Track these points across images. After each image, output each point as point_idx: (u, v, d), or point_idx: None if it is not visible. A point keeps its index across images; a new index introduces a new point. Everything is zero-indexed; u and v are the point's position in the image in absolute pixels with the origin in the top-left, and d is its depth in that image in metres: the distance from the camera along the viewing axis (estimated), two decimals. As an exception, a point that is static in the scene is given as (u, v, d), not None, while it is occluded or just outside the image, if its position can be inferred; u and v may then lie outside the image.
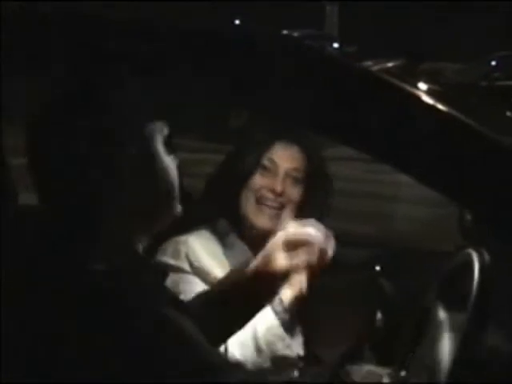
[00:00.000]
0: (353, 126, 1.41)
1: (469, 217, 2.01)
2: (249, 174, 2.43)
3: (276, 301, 2.25)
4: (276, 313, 2.25)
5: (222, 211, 2.49)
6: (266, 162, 2.42)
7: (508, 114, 2.22)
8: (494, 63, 15.19)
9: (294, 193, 2.41)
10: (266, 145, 2.45)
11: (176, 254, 2.36)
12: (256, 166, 2.43)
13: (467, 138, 1.40)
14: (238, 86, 1.49)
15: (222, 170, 2.53)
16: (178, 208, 1.67)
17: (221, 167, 2.54)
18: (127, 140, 1.55)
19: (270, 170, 2.42)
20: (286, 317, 2.28)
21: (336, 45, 16.21)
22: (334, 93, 1.42)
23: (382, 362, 2.34)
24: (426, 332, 1.98)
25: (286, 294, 2.24)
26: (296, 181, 2.43)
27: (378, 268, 2.46)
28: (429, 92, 1.50)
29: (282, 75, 1.44)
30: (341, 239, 1.95)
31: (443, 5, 24.78)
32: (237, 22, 1.65)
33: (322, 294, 2.25)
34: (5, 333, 1.54)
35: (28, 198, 1.87)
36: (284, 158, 2.43)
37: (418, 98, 1.42)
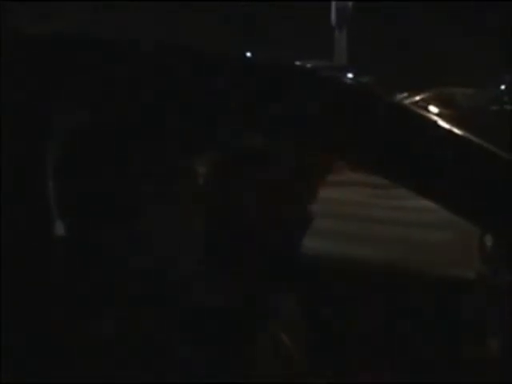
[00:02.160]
0: (383, 154, 1.47)
1: (489, 241, 2.00)
2: None
3: None
4: None
5: None
6: None
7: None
8: (503, 87, 15.72)
9: None
10: None
11: None
12: None
13: (487, 162, 1.45)
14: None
15: None
16: None
17: None
18: None
19: None
20: None
21: (350, 75, 16.74)
22: (364, 123, 1.48)
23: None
24: None
25: None
26: None
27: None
28: (447, 118, 1.60)
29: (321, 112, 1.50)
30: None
31: (454, 29, 25.37)
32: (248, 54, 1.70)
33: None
34: None
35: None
36: None
37: (440, 126, 1.48)
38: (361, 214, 6.26)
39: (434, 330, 2.12)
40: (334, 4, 20.37)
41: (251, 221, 1.94)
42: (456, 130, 1.51)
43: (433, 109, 14.73)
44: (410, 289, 2.32)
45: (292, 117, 1.55)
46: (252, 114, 1.60)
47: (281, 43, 21.98)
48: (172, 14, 29.04)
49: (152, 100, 1.64)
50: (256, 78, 1.62)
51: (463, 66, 20.98)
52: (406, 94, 15.67)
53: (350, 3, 20.10)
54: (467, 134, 1.51)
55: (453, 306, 2.12)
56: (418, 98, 15.87)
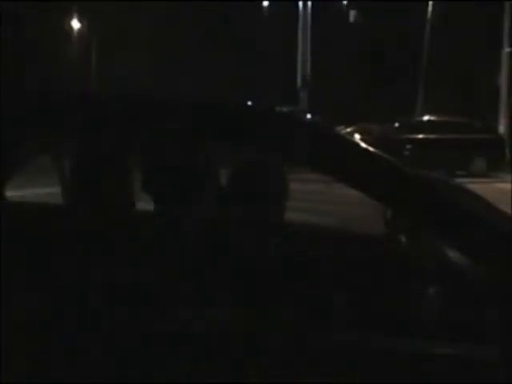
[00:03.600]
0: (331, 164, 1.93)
1: (389, 214, 2.42)
2: None
3: None
4: None
5: None
6: None
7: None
8: (396, 125, 21.44)
9: None
10: None
11: None
12: None
13: (387, 168, 1.94)
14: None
15: None
16: None
17: None
18: None
19: None
20: None
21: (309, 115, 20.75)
22: (314, 143, 1.95)
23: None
24: None
25: None
26: None
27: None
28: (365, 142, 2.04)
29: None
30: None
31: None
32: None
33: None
34: None
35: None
36: None
37: (361, 146, 2.00)
38: (315, 198, 8.56)
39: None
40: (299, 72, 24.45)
41: None
42: (370, 148, 1.98)
43: (357, 136, 19.69)
44: (347, 244, 2.65)
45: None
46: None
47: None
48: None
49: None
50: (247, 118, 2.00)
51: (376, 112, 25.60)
52: (342, 127, 21.75)
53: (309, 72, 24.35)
54: (376, 151, 1.97)
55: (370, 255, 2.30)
56: (348, 129, 22.17)
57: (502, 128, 23.72)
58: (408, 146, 19.83)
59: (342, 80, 30.97)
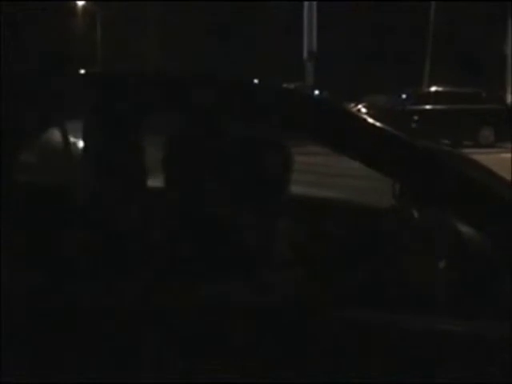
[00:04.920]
0: (335, 137, 1.96)
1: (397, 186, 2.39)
2: None
3: None
4: None
5: None
6: None
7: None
8: (403, 96, 21.42)
9: None
10: None
11: None
12: None
13: (392, 141, 1.95)
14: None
15: None
16: None
17: None
18: None
19: None
20: None
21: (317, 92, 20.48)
22: (323, 118, 1.98)
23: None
24: None
25: None
26: None
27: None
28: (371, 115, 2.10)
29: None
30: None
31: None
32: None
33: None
34: None
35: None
36: None
37: (368, 121, 2.01)
38: (320, 170, 8.89)
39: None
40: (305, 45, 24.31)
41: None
42: (377, 123, 1.99)
43: (363, 110, 19.99)
44: (353, 216, 2.69)
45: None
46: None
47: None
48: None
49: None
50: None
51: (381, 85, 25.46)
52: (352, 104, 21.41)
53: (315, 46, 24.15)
54: (383, 125, 1.98)
55: (375, 228, 2.37)
56: (359, 106, 21.76)
57: (509, 98, 23.53)
58: (415, 117, 19.75)
59: (348, 53, 30.82)
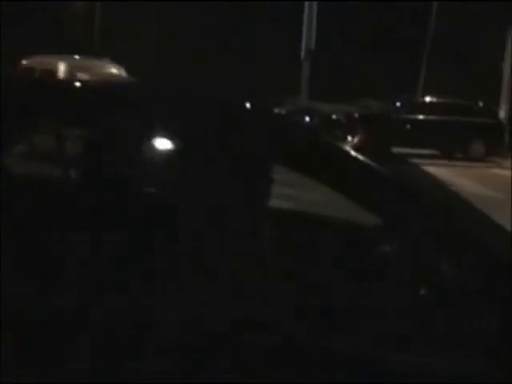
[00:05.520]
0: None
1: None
2: None
3: None
4: None
5: None
6: None
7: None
8: (398, 104, 21.39)
9: None
10: None
11: None
12: None
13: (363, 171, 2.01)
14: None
15: None
16: None
17: None
18: None
19: None
20: None
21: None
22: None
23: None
24: None
25: None
26: None
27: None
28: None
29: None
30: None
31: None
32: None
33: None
34: None
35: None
36: None
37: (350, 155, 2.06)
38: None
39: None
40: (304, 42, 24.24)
41: None
42: (353, 154, 2.05)
43: (356, 115, 20.10)
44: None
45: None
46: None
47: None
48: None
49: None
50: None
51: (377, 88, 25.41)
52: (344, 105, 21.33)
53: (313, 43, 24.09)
54: (363, 157, 2.03)
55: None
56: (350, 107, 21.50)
57: (502, 113, 23.52)
58: (407, 126, 19.72)
59: (344, 54, 30.70)
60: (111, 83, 2.24)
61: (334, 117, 19.60)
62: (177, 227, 2.03)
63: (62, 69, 13.68)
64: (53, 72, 13.18)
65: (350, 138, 18.35)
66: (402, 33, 30.68)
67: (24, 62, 14.20)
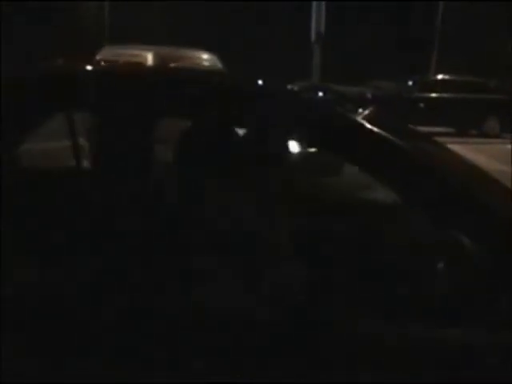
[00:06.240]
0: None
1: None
2: None
3: None
4: None
5: None
6: None
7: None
8: (410, 83, 21.37)
9: None
10: None
11: None
12: None
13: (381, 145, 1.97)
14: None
15: None
16: None
17: None
18: None
19: None
20: None
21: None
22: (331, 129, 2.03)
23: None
24: None
25: None
26: None
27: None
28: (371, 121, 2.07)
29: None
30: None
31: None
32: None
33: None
34: None
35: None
36: None
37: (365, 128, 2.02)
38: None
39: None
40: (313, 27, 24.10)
41: None
42: (375, 129, 2.00)
43: (369, 95, 20.11)
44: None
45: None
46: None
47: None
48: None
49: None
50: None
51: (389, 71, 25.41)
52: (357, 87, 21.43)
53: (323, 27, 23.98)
54: (378, 130, 1.99)
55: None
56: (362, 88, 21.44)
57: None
58: (421, 105, 19.61)
59: (355, 37, 30.58)
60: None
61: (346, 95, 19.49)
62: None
63: (150, 59, 12.94)
64: (143, 64, 12.50)
65: (360, 110, 18.23)
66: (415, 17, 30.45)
67: (98, 56, 13.30)
